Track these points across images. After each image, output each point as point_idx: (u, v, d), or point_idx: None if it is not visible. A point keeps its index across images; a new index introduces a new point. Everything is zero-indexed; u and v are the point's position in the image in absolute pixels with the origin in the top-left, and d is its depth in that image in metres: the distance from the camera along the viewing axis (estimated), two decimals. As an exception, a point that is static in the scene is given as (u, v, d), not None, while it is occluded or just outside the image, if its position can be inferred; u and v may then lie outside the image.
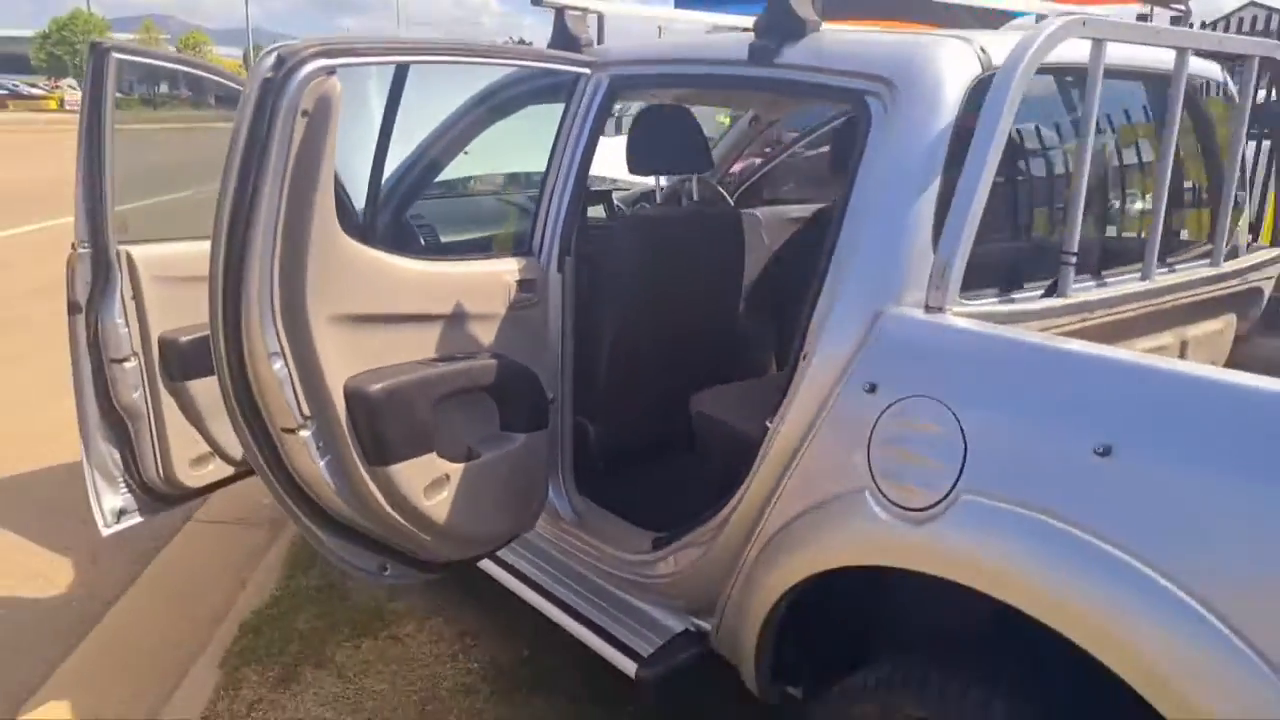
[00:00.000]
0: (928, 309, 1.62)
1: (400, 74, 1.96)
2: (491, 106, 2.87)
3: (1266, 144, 2.90)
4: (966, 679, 1.53)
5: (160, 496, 2.57)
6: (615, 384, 2.55)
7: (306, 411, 1.75)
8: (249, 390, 1.71)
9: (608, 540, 2.37)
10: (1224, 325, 2.40)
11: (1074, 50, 1.73)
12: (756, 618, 1.87)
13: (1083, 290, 1.89)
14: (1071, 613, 1.34)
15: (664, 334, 2.57)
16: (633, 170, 2.55)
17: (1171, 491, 1.29)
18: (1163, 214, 1.98)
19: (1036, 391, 1.47)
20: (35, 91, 52.85)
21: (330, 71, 1.59)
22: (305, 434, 1.77)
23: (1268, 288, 2.48)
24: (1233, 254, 2.44)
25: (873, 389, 1.62)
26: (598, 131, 2.36)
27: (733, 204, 3.71)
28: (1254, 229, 2.60)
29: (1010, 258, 1.98)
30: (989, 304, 1.76)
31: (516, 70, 2.55)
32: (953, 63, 1.73)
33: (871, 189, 1.74)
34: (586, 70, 2.24)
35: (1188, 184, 2.42)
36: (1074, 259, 1.81)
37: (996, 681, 1.51)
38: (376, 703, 2.64)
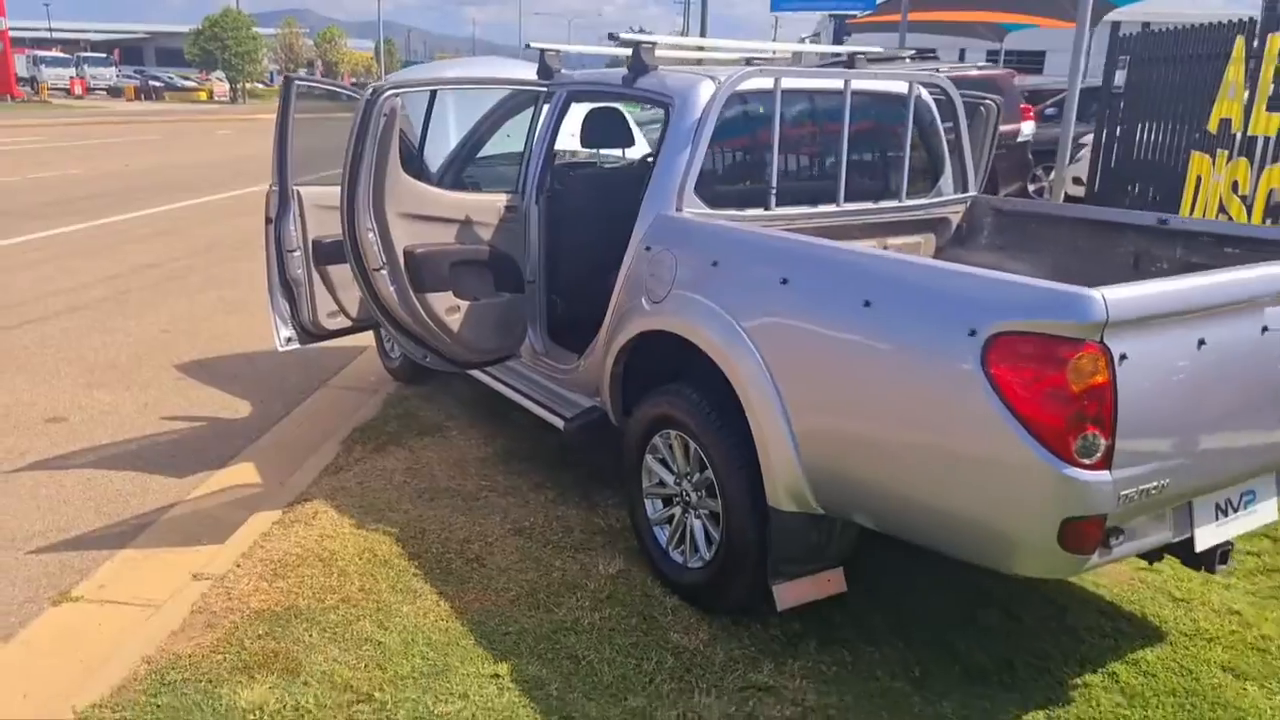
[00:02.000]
0: (676, 211, 3.30)
1: (433, 95, 3.75)
2: (510, 107, 4.66)
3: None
4: (681, 382, 3.21)
5: (310, 334, 4.38)
6: (570, 274, 4.25)
7: (384, 260, 3.54)
8: (357, 247, 3.51)
9: (558, 360, 4.09)
10: (922, 240, 3.97)
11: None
12: (609, 378, 3.57)
13: (789, 209, 3.53)
14: (703, 337, 3.00)
15: (600, 243, 4.25)
16: (584, 145, 4.25)
17: (735, 279, 2.95)
18: (844, 168, 3.57)
19: (697, 241, 3.14)
20: (188, 84, 57.57)
21: (396, 95, 3.37)
22: (383, 272, 3.56)
23: (955, 218, 4.02)
24: (937, 194, 4.00)
25: (649, 249, 3.32)
26: (560, 121, 4.08)
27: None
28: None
29: (752, 191, 3.60)
30: (724, 212, 3.41)
31: (517, 88, 4.31)
32: (702, 90, 3.39)
33: (664, 153, 3.42)
34: (544, 88, 3.98)
35: (893, 153, 3.97)
36: (774, 190, 3.45)
37: (692, 382, 3.17)
38: (428, 461, 4.45)
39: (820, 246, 2.78)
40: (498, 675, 2.83)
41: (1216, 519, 2.53)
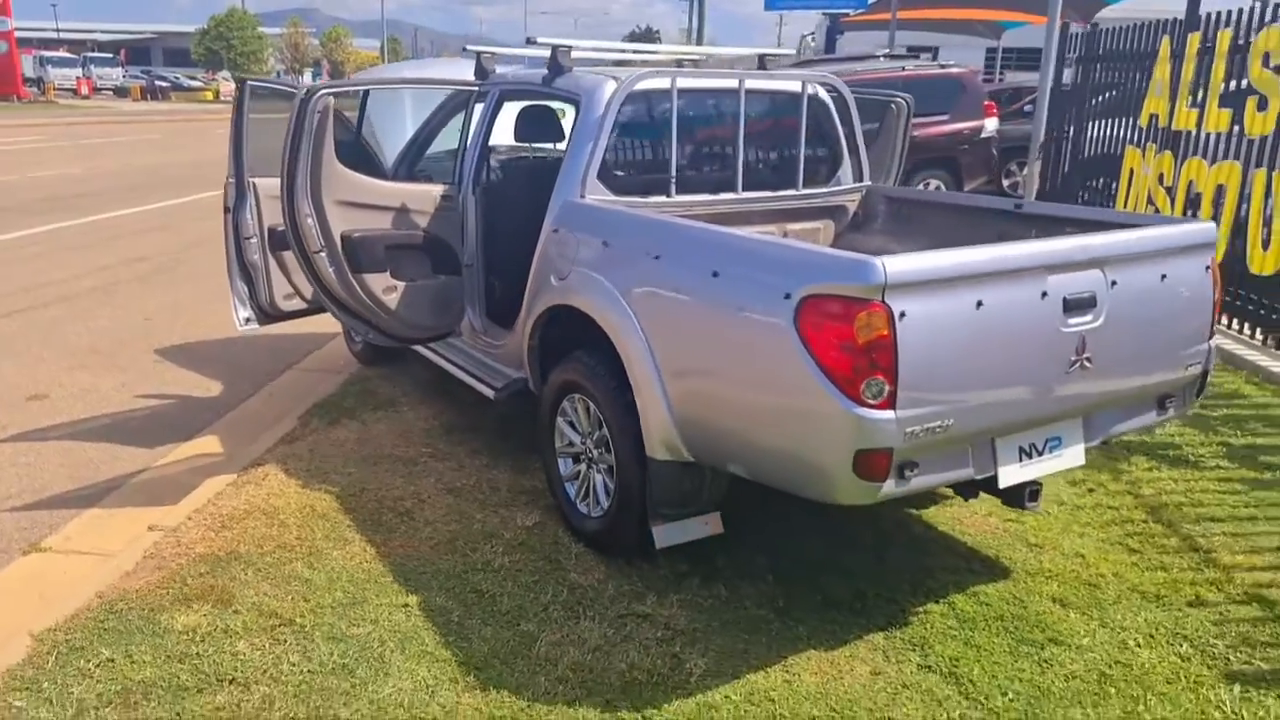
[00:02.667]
0: (580, 197, 3.68)
1: (365, 95, 4.13)
2: (456, 104, 5.04)
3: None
4: (583, 351, 3.58)
5: (267, 315, 4.75)
6: (504, 258, 4.62)
7: (322, 243, 3.92)
8: (298, 232, 3.89)
9: (493, 337, 4.47)
10: (822, 226, 4.33)
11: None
12: (527, 350, 3.95)
13: (690, 196, 3.90)
14: (595, 309, 3.37)
15: (531, 230, 4.62)
16: (517, 140, 4.63)
17: (620, 256, 3.32)
18: (741, 160, 3.94)
19: (592, 224, 3.52)
20: (194, 84, 58.09)
21: (329, 94, 3.75)
22: (322, 254, 3.94)
23: (851, 205, 4.39)
24: (836, 184, 4.37)
25: (556, 231, 3.70)
26: (494, 118, 4.46)
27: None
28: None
29: (655, 179, 3.96)
30: (628, 199, 3.78)
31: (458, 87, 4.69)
32: (605, 89, 3.76)
33: (572, 145, 3.80)
34: (476, 88, 4.36)
35: (791, 147, 4.32)
36: (674, 179, 3.82)
37: (591, 350, 3.54)
38: (378, 432, 4.84)
39: (681, 225, 3.16)
40: (407, 605, 3.21)
41: (1020, 460, 2.89)
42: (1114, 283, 2.86)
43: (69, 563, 3.63)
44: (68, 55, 57.62)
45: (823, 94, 4.31)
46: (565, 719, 2.68)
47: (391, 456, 4.52)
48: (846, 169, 4.43)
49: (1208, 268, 3.14)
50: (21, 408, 5.38)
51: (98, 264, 9.07)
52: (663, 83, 3.76)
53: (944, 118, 11.03)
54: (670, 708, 2.73)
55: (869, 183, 4.45)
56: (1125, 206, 7.74)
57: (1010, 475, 2.88)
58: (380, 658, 2.93)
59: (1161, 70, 7.28)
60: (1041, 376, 2.79)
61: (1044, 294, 2.72)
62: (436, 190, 4.29)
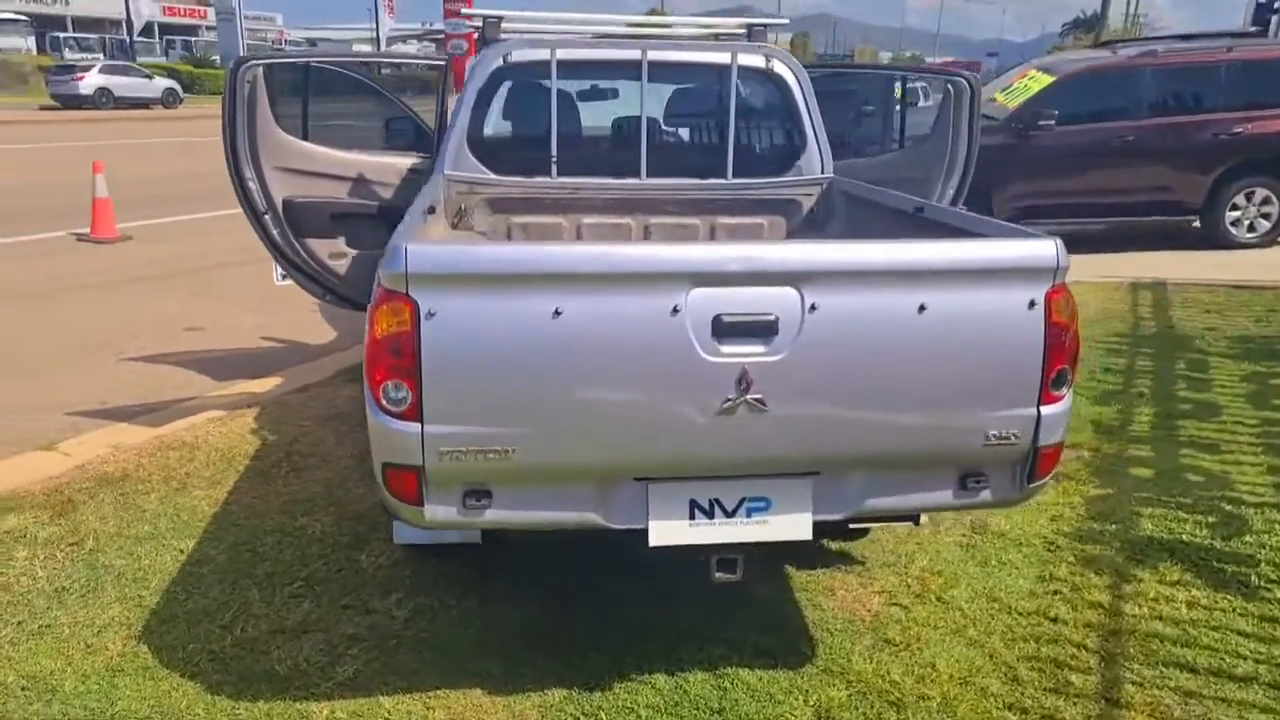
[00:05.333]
0: (443, 172, 3.51)
1: (306, 68, 4.28)
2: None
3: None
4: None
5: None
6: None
7: (266, 206, 4.15)
8: (246, 194, 4.15)
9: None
10: (767, 222, 3.71)
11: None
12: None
13: (579, 179, 3.56)
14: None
15: None
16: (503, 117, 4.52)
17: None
18: (645, 145, 3.51)
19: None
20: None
21: (257, 65, 3.94)
22: (268, 216, 4.17)
23: (807, 202, 3.68)
24: (796, 173, 3.73)
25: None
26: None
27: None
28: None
29: (539, 159, 3.63)
30: (504, 178, 3.55)
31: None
32: (489, 61, 3.54)
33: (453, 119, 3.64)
34: (443, 62, 4.33)
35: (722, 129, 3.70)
36: (554, 161, 3.51)
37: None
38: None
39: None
40: (182, 550, 3.32)
41: (692, 518, 2.27)
42: (813, 306, 2.13)
43: (38, 460, 4.19)
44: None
45: (780, 69, 3.68)
46: (167, 685, 2.62)
47: (352, 417, 4.66)
48: (813, 159, 3.75)
49: (1033, 303, 2.21)
50: (175, 335, 6.32)
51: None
52: (544, 54, 3.47)
53: (1286, 110, 8.85)
54: (268, 705, 2.56)
55: (830, 175, 3.72)
56: None
57: (668, 534, 2.28)
58: (99, 589, 3.06)
59: None
60: (677, 414, 2.16)
61: (675, 309, 2.11)
62: (404, 162, 4.34)
